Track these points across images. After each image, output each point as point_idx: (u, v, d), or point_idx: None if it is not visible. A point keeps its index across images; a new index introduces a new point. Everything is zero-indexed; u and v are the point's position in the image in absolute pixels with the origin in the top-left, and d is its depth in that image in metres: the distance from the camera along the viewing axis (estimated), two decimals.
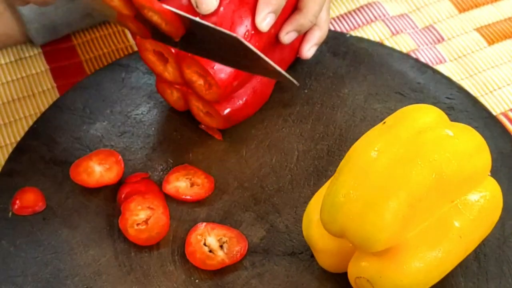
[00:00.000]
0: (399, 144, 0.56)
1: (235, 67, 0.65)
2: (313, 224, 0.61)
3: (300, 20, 0.71)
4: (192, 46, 0.65)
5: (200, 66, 0.67)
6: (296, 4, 0.72)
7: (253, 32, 0.68)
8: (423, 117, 0.59)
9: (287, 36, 0.71)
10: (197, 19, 0.62)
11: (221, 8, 0.67)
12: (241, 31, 0.67)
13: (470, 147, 0.58)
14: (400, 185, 0.54)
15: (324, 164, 0.72)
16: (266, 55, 0.71)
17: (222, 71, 0.67)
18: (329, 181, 0.63)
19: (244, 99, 0.71)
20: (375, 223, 0.54)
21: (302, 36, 0.76)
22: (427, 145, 0.56)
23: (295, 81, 0.62)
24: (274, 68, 0.61)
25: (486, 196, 0.59)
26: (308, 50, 0.75)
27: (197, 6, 0.67)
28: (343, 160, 0.58)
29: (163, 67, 0.71)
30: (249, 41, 0.67)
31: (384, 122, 0.59)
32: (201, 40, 0.64)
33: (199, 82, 0.69)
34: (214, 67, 0.66)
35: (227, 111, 0.71)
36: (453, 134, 0.57)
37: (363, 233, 0.55)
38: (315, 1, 0.71)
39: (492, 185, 0.60)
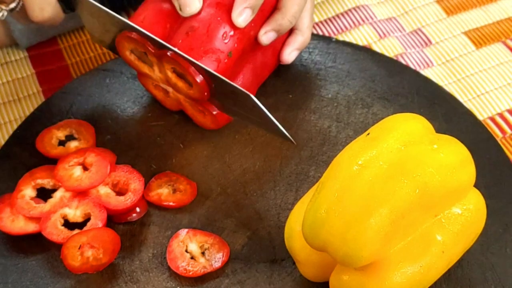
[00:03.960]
0: (382, 158, 0.55)
1: (243, 120, 0.69)
2: (295, 235, 0.60)
3: (279, 20, 0.71)
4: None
5: (179, 65, 0.67)
6: (275, 6, 0.72)
7: (231, 33, 0.68)
8: (408, 128, 0.58)
9: (266, 36, 0.71)
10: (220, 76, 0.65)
11: (202, 12, 0.67)
12: (219, 33, 0.67)
13: (455, 161, 0.57)
14: (382, 201, 0.54)
15: (307, 170, 0.71)
16: (248, 58, 0.71)
17: (201, 69, 0.67)
18: (311, 190, 0.63)
19: None
20: (357, 241, 0.53)
21: (284, 41, 0.75)
22: (410, 160, 0.55)
23: (293, 141, 0.65)
24: (278, 127, 0.65)
25: (469, 209, 0.58)
26: (289, 54, 0.75)
27: (180, 9, 0.67)
28: (325, 173, 0.58)
29: (144, 66, 0.71)
30: (227, 43, 0.67)
31: (368, 133, 0.58)
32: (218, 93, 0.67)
33: (180, 83, 0.69)
34: (193, 65, 0.67)
35: (215, 112, 0.71)
36: (437, 147, 0.56)
37: (344, 250, 0.54)
38: (294, 1, 0.71)
39: (476, 197, 0.60)
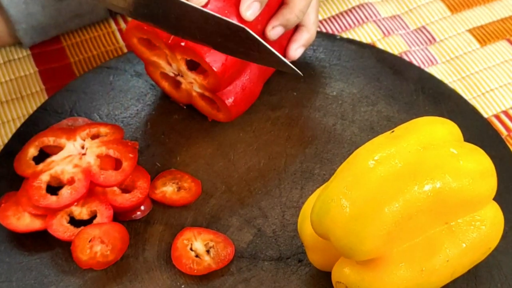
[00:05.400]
0: (398, 157, 0.55)
1: (242, 57, 0.65)
2: (307, 220, 0.60)
3: (287, 15, 0.71)
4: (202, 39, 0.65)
5: (195, 53, 0.67)
6: (283, 1, 0.72)
7: None
8: (432, 131, 0.57)
9: (273, 31, 0.71)
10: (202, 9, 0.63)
11: (209, 5, 0.67)
12: None
13: (474, 171, 0.56)
14: (390, 200, 0.53)
15: (312, 168, 0.71)
16: None
17: (216, 58, 0.67)
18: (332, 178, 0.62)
19: (232, 97, 0.71)
20: (358, 235, 0.53)
21: (290, 37, 0.75)
22: (426, 162, 0.55)
23: (299, 72, 0.63)
24: (279, 58, 0.62)
25: (483, 223, 0.57)
26: (295, 51, 0.75)
27: (187, 0, 0.67)
28: (343, 163, 0.58)
29: (153, 54, 0.71)
30: None
31: (393, 131, 0.58)
32: (211, 32, 0.64)
33: (193, 76, 0.70)
34: (208, 54, 0.66)
35: (230, 99, 0.71)
36: (458, 154, 0.56)
37: (345, 242, 0.54)
38: None
39: (494, 212, 0.58)
